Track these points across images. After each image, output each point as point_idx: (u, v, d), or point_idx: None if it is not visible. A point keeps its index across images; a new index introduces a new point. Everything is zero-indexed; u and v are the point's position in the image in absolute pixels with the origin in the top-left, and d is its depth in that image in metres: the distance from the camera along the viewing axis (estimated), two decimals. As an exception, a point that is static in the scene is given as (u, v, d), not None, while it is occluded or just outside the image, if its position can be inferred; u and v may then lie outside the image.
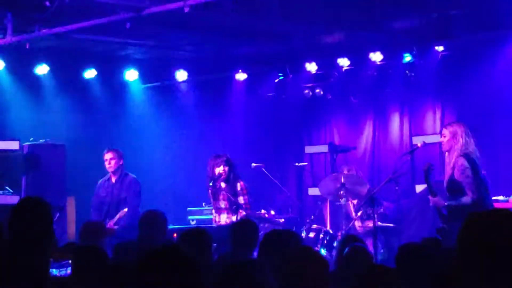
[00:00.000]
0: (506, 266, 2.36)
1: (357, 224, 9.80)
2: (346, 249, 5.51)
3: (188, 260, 2.92)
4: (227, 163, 9.23)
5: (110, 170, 9.65)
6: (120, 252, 5.79)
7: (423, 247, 5.05)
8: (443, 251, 5.41)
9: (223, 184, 9.21)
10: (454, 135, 7.47)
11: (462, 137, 7.43)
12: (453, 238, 2.53)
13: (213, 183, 9.20)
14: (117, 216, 9.28)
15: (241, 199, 9.21)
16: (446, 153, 7.64)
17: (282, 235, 5.74)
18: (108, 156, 9.63)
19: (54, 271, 3.73)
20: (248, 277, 3.51)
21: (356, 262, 5.28)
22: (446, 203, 7.45)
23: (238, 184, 9.25)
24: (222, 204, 9.27)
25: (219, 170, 9.20)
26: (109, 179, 9.75)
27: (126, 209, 9.27)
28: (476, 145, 7.60)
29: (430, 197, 7.55)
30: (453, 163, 7.43)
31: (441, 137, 7.72)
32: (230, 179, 9.22)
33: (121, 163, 9.64)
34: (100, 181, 9.86)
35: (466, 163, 7.35)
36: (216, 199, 9.31)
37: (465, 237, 2.44)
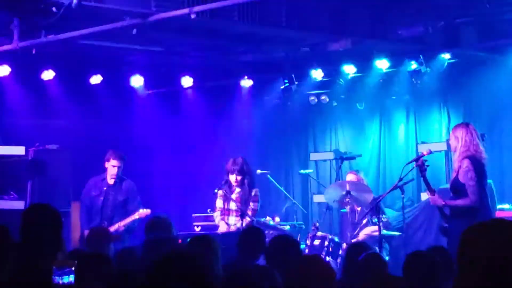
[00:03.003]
0: (504, 279, 2.34)
1: (364, 231, 9.74)
2: (362, 256, 5.43)
3: (200, 267, 2.86)
4: (240, 172, 9.27)
5: (115, 176, 9.63)
6: (124, 259, 5.76)
7: (430, 256, 5.02)
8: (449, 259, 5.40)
9: (237, 189, 9.33)
10: (457, 137, 7.57)
11: (462, 138, 7.50)
12: (456, 238, 2.52)
13: (227, 187, 9.30)
14: (130, 219, 9.36)
15: (252, 205, 9.29)
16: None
17: (282, 242, 5.75)
18: (116, 163, 9.59)
19: (57, 279, 3.71)
20: (255, 285, 3.49)
21: (371, 269, 5.23)
22: (443, 202, 7.46)
23: (254, 191, 9.35)
24: (234, 206, 9.31)
25: (232, 179, 9.29)
26: (105, 179, 9.71)
27: (138, 214, 9.35)
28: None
29: (429, 195, 7.58)
30: (459, 164, 7.45)
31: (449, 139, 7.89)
32: (245, 185, 9.29)
33: None
34: (92, 179, 9.80)
35: (470, 165, 7.36)
36: (228, 201, 9.36)
37: (464, 251, 2.42)
